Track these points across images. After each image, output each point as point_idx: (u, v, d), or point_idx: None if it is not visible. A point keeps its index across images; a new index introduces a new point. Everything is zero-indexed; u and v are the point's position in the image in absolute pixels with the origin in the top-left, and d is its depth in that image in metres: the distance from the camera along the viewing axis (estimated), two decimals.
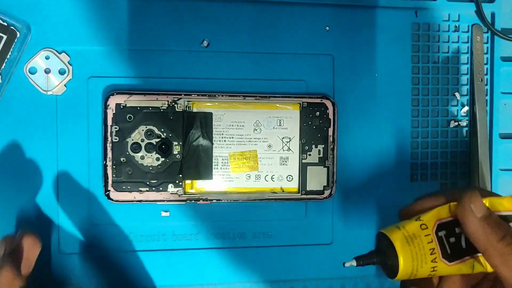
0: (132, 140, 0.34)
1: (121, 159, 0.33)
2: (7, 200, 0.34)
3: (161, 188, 0.34)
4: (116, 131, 0.33)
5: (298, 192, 0.35)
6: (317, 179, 0.36)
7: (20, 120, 0.33)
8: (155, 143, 0.34)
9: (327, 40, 0.37)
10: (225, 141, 0.35)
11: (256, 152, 0.35)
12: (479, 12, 0.38)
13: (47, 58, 0.33)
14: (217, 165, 0.35)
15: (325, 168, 0.36)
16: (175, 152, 0.34)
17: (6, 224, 0.34)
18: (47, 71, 0.33)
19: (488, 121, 0.39)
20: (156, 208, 0.35)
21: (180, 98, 0.34)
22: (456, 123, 0.38)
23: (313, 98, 0.35)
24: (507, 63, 0.39)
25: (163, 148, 0.34)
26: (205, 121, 0.34)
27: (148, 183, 0.34)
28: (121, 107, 0.33)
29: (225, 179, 0.35)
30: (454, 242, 0.24)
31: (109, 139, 0.33)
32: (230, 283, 0.36)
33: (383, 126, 0.38)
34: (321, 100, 0.36)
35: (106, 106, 0.33)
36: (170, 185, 0.34)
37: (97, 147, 0.34)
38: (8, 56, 0.32)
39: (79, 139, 0.34)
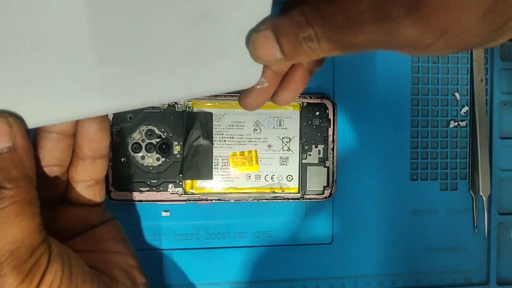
0: (133, 140, 0.34)
1: (122, 159, 0.34)
2: None
3: (161, 188, 0.34)
4: (116, 131, 0.33)
5: (298, 192, 0.36)
6: (317, 179, 0.36)
7: None
8: (155, 143, 0.34)
9: None
10: (225, 141, 0.35)
11: (256, 152, 0.35)
12: None
13: None
14: (217, 165, 0.35)
15: (325, 168, 0.36)
16: (175, 152, 0.34)
17: None
18: None
19: (488, 121, 0.39)
20: (156, 208, 0.35)
21: None
22: (456, 123, 0.38)
23: (313, 98, 0.35)
24: (507, 63, 0.39)
25: (164, 148, 0.34)
26: (205, 121, 0.34)
27: (148, 183, 0.34)
28: None
29: (225, 179, 0.35)
30: None
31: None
32: (230, 282, 0.36)
33: (383, 125, 0.38)
34: (321, 100, 0.36)
35: None
36: (170, 185, 0.34)
37: None
38: None
39: None
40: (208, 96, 0.34)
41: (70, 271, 0.20)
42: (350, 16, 0.17)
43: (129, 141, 0.34)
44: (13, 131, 0.18)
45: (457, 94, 0.38)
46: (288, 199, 0.35)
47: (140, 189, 0.34)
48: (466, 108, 0.38)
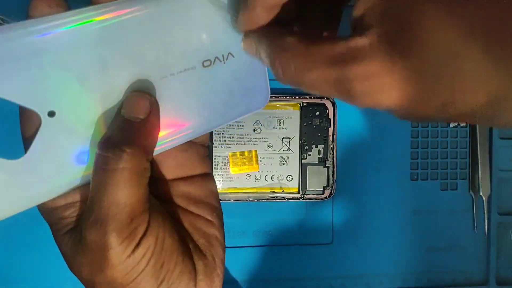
0: None
1: None
2: None
3: None
4: None
5: (298, 192, 0.36)
6: (317, 179, 0.36)
7: None
8: None
9: None
10: (225, 141, 0.35)
11: (256, 152, 0.35)
12: None
13: None
14: (217, 165, 0.35)
15: (325, 168, 0.36)
16: None
17: (5, 224, 0.34)
18: None
19: None
20: None
21: None
22: (456, 123, 0.38)
23: (313, 98, 0.35)
24: None
25: None
26: None
27: None
28: None
29: (225, 179, 0.35)
30: None
31: None
32: (230, 282, 0.36)
33: (382, 126, 0.38)
34: (321, 100, 0.36)
35: None
36: None
37: None
38: None
39: None
40: None
41: (162, 245, 0.20)
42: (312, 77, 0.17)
43: None
44: (151, 108, 0.20)
45: None
46: (288, 199, 0.35)
47: None
48: None
